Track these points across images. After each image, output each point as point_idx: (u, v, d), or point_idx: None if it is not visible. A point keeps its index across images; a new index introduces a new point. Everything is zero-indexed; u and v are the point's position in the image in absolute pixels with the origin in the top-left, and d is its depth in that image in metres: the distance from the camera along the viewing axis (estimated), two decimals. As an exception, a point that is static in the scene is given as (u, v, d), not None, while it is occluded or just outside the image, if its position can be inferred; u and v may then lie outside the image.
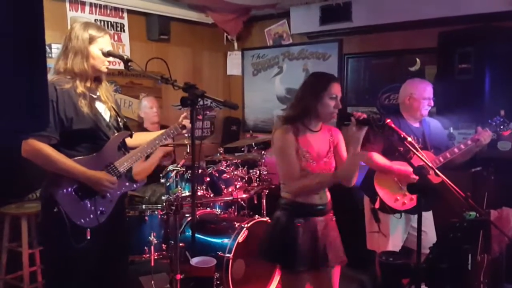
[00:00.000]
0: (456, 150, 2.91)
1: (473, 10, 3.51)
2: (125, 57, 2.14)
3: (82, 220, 2.10)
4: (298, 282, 2.25)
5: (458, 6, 3.56)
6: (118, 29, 4.35)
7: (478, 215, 1.67)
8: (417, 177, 2.26)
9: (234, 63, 5.52)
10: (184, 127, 2.46)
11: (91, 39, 2.15)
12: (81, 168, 2.09)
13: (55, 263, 2.18)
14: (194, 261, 1.68)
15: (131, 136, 2.39)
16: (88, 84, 2.18)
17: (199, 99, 1.80)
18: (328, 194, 2.36)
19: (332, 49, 4.74)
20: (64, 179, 2.09)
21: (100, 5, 4.14)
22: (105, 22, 4.22)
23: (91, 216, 2.13)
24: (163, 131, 2.43)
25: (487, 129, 2.92)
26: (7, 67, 0.78)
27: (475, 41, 3.38)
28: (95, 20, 4.05)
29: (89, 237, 2.09)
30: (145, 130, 3.73)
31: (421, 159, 2.26)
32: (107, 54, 2.14)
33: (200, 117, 2.42)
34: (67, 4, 3.88)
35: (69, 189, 2.10)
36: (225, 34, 5.26)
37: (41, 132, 2.02)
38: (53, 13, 3.69)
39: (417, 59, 4.16)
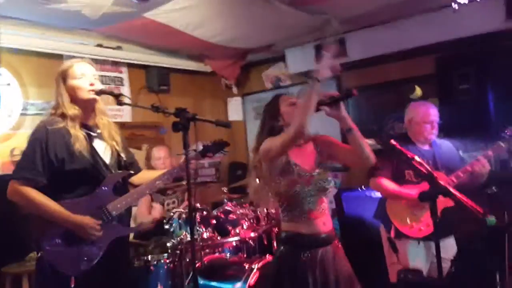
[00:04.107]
0: (468, 168, 2.80)
1: (468, 32, 3.52)
2: (116, 92, 2.12)
3: (65, 267, 1.99)
4: None
5: (452, 30, 3.57)
6: (118, 82, 4.41)
7: (497, 221, 1.55)
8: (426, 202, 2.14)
9: (234, 109, 5.56)
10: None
11: (63, 76, 2.14)
12: (64, 212, 2.01)
13: None
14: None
15: (130, 176, 2.31)
16: (84, 121, 2.14)
17: (190, 122, 1.75)
18: (330, 220, 2.21)
19: (331, 86, 4.75)
20: (51, 223, 2.00)
21: (99, 60, 4.22)
22: (104, 77, 4.29)
23: (75, 263, 2.00)
24: (165, 170, 2.35)
25: (489, 151, 2.81)
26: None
27: (473, 62, 3.38)
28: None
29: (72, 286, 1.95)
30: None
31: (431, 178, 2.16)
32: (99, 93, 2.12)
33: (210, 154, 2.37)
34: (65, 60, 3.95)
35: (55, 234, 2.01)
36: (223, 80, 5.33)
37: (25, 175, 1.97)
38: (51, 70, 3.74)
39: (416, 86, 4.13)
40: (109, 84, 4.31)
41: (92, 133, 2.17)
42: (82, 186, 2.09)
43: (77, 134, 2.08)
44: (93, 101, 2.16)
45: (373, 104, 4.54)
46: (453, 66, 3.48)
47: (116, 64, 4.39)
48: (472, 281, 1.51)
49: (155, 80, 4.63)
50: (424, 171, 1.67)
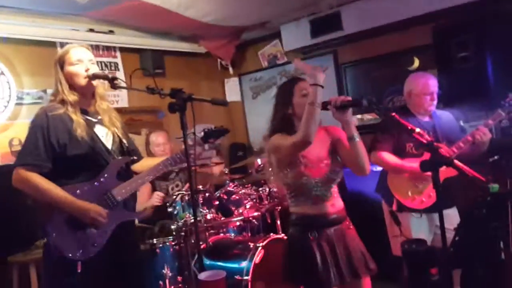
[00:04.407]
0: (469, 138, 2.78)
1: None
2: (110, 75, 2.09)
3: (71, 252, 1.99)
4: None
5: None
6: (113, 68, 4.36)
7: (500, 188, 1.54)
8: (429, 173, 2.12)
9: (232, 89, 5.51)
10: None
11: (61, 62, 2.12)
12: (69, 198, 2.00)
13: None
14: (202, 276, 1.56)
15: (133, 161, 2.31)
16: (84, 106, 2.13)
17: (187, 103, 1.72)
18: (340, 201, 2.23)
19: (328, 61, 4.70)
20: (55, 209, 2.00)
21: (92, 46, 4.16)
22: (98, 63, 4.23)
23: (81, 248, 2.01)
24: (168, 156, 2.33)
25: (490, 120, 2.79)
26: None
27: (471, 29, 3.32)
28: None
29: (79, 271, 1.97)
30: None
31: (433, 147, 2.15)
32: (92, 77, 2.09)
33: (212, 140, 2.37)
34: (58, 49, 3.91)
35: (60, 219, 2.01)
36: (219, 61, 5.27)
37: (29, 161, 1.97)
38: (44, 58, 3.71)
39: (415, 58, 4.08)
40: (103, 70, 4.27)
41: (92, 119, 2.16)
42: (85, 172, 2.08)
43: (78, 119, 2.07)
44: (90, 87, 2.14)
45: (371, 77, 4.49)
46: (450, 34, 3.42)
47: (109, 49, 4.33)
48: (476, 248, 1.52)
49: (149, 63, 4.56)
50: (425, 141, 1.66)
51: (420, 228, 2.87)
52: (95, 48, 4.19)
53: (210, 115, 5.15)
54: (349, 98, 2.05)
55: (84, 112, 2.13)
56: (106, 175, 2.11)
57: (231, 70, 5.39)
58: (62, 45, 3.94)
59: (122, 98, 4.40)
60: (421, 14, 3.69)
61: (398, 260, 2.99)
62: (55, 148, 2.01)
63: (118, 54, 4.42)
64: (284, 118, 2.19)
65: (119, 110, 4.28)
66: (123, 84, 2.11)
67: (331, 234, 2.12)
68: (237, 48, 5.13)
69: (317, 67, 2.05)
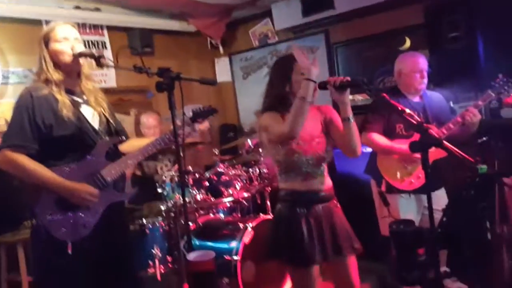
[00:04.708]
0: (459, 119, 2.78)
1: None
2: (96, 54, 2.04)
3: (62, 234, 1.97)
4: (308, 278, 2.09)
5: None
6: (100, 46, 4.28)
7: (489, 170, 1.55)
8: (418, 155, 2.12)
9: (222, 69, 5.44)
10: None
11: (46, 40, 2.06)
12: (58, 179, 1.97)
13: (40, 279, 2.05)
14: (191, 256, 1.56)
15: (121, 142, 2.27)
16: (69, 86, 2.08)
17: (175, 82, 1.69)
18: (329, 180, 2.23)
19: (319, 41, 4.65)
20: (44, 190, 1.97)
21: (78, 24, 4.06)
22: (85, 42, 4.15)
23: (72, 229, 1.99)
24: (157, 137, 2.31)
25: (479, 101, 2.79)
26: None
27: (462, 8, 3.28)
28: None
29: (70, 252, 1.95)
30: None
31: (422, 128, 2.15)
32: (78, 55, 2.04)
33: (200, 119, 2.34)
34: (44, 27, 3.80)
35: (49, 201, 1.98)
36: (209, 40, 5.19)
37: (15, 142, 1.93)
38: (30, 37, 3.61)
39: (406, 38, 4.05)
40: (91, 49, 4.18)
41: (78, 99, 2.11)
42: (72, 153, 2.04)
43: (63, 99, 2.02)
44: (76, 65, 2.09)
45: (363, 57, 4.45)
46: (442, 14, 3.38)
47: (96, 27, 4.24)
48: (463, 229, 1.53)
49: (137, 42, 4.48)
50: (415, 122, 1.65)
51: (408, 209, 2.89)
52: (82, 26, 4.09)
53: (199, 96, 5.12)
54: (348, 78, 2.03)
55: (69, 92, 2.08)
56: (94, 156, 2.08)
57: (221, 49, 5.31)
58: (48, 23, 3.82)
59: (110, 78, 4.32)
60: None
61: (387, 240, 3.02)
62: (41, 128, 1.97)
63: (105, 32, 4.32)
64: (279, 95, 2.15)
65: (107, 91, 4.25)
66: (110, 63, 2.05)
67: (319, 211, 2.13)
68: (227, 27, 5.04)
69: (315, 60, 2.02)
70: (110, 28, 4.34)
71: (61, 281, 1.98)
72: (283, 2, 4.48)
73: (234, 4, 4.49)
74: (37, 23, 3.73)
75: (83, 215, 2.03)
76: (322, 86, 2.06)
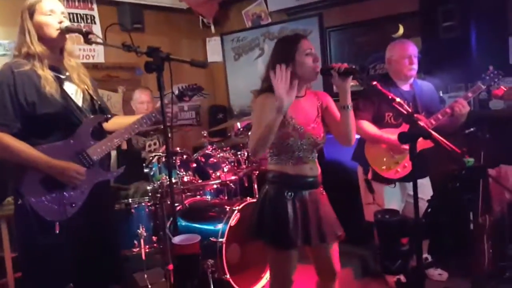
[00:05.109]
0: (448, 110, 2.79)
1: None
2: (84, 30, 1.98)
3: (49, 213, 1.95)
4: (288, 261, 2.10)
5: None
6: (89, 21, 4.17)
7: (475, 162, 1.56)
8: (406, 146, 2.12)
9: (214, 49, 5.36)
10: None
11: (31, 11, 1.98)
12: (44, 158, 1.93)
13: (26, 259, 2.03)
14: (176, 239, 1.55)
15: (106, 120, 2.23)
16: (51, 62, 2.02)
17: (164, 62, 1.66)
18: (318, 167, 2.23)
19: (312, 24, 4.60)
20: (28, 169, 1.93)
21: (67, -3, 3.97)
22: (74, 15, 4.04)
23: (59, 209, 1.96)
24: (143, 115, 2.26)
25: (469, 92, 2.80)
26: None
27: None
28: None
29: (57, 231, 1.93)
30: None
31: (412, 119, 2.16)
32: (65, 31, 1.98)
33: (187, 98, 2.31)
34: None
35: (34, 180, 1.94)
36: (201, 18, 5.10)
37: None
38: (11, 8, 3.51)
39: (400, 25, 4.03)
40: (79, 22, 4.08)
41: (61, 76, 2.05)
42: (56, 131, 2.00)
43: (46, 76, 1.96)
44: (62, 39, 2.03)
45: (355, 43, 4.42)
46: (437, 2, 3.36)
47: (85, 0, 4.12)
48: (446, 219, 1.55)
49: (127, 17, 4.38)
50: (404, 112, 1.65)
51: (392, 197, 2.93)
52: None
53: (189, 76, 4.97)
54: (353, 66, 2.01)
55: (51, 68, 2.02)
56: (79, 134, 2.04)
57: (213, 29, 5.22)
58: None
59: (98, 54, 4.23)
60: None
61: (370, 226, 3.07)
62: (24, 106, 1.91)
63: (94, 6, 4.21)
64: None
65: (95, 66, 4.19)
66: (98, 40, 2.00)
67: (306, 196, 2.12)
68: (220, 5, 4.95)
69: (293, 88, 1.93)
70: (100, 2, 4.23)
71: (46, 259, 1.96)
72: (277, -17, 4.41)
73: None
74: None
75: (69, 194, 2.00)
76: (325, 71, 2.04)
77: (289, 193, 2.10)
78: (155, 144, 3.69)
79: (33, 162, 1.93)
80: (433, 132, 1.74)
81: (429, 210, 1.53)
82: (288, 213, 2.06)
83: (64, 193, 1.99)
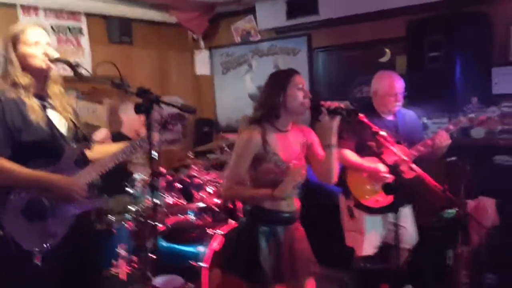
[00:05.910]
0: (429, 142, 2.84)
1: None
2: (73, 62, 1.98)
3: (30, 244, 1.92)
4: None
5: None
6: (76, 33, 4.13)
7: (457, 212, 1.59)
8: (387, 175, 2.15)
9: (202, 62, 5.35)
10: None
11: (14, 41, 1.97)
12: (42, 173, 1.92)
13: None
14: (157, 281, 1.54)
15: (89, 148, 2.22)
16: (36, 91, 2.01)
17: (154, 105, 1.66)
18: (297, 202, 2.24)
19: (301, 44, 4.64)
20: (9, 199, 1.91)
21: (55, 9, 3.92)
22: (61, 27, 4.00)
23: (40, 239, 1.94)
24: (127, 143, 2.23)
25: (450, 125, 2.85)
26: None
27: (444, 28, 3.32)
28: (50, 25, 3.84)
29: (39, 262, 1.91)
30: (123, 135, 3.50)
31: (395, 152, 2.21)
32: (54, 61, 1.98)
33: (171, 126, 2.29)
34: (19, 10, 3.65)
35: (16, 210, 1.92)
36: (190, 33, 5.09)
37: None
38: (3, 19, 3.47)
39: (387, 50, 4.08)
40: (66, 34, 4.03)
41: (45, 104, 2.05)
42: (41, 159, 1.98)
43: (33, 104, 1.96)
44: (47, 69, 2.02)
45: (342, 64, 4.48)
46: (424, 31, 3.42)
47: (73, 12, 4.08)
48: (427, 265, 1.57)
49: (116, 30, 4.36)
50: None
51: (373, 225, 2.96)
52: (59, 11, 3.95)
53: (177, 88, 5.05)
54: (343, 105, 2.05)
55: (36, 96, 2.02)
56: (63, 163, 2.02)
57: (202, 44, 5.22)
58: (24, 7, 3.69)
59: (85, 66, 4.16)
60: (397, 7, 3.66)
61: (351, 250, 3.10)
62: (13, 132, 1.91)
63: (82, 18, 4.17)
64: (272, 107, 2.12)
65: (81, 79, 4.13)
66: (87, 73, 2.00)
67: (281, 233, 2.14)
68: (209, 20, 4.95)
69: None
70: (88, 14, 4.19)
71: None
72: (268, 2, 4.43)
73: (218, 1, 4.41)
74: (11, 7, 3.58)
75: (51, 223, 1.98)
76: (315, 108, 2.08)
77: (264, 228, 2.10)
78: (142, 159, 3.64)
79: (29, 179, 1.91)
80: (416, 168, 1.77)
81: (410, 259, 1.55)
82: (261, 249, 2.07)
83: (46, 223, 1.96)
